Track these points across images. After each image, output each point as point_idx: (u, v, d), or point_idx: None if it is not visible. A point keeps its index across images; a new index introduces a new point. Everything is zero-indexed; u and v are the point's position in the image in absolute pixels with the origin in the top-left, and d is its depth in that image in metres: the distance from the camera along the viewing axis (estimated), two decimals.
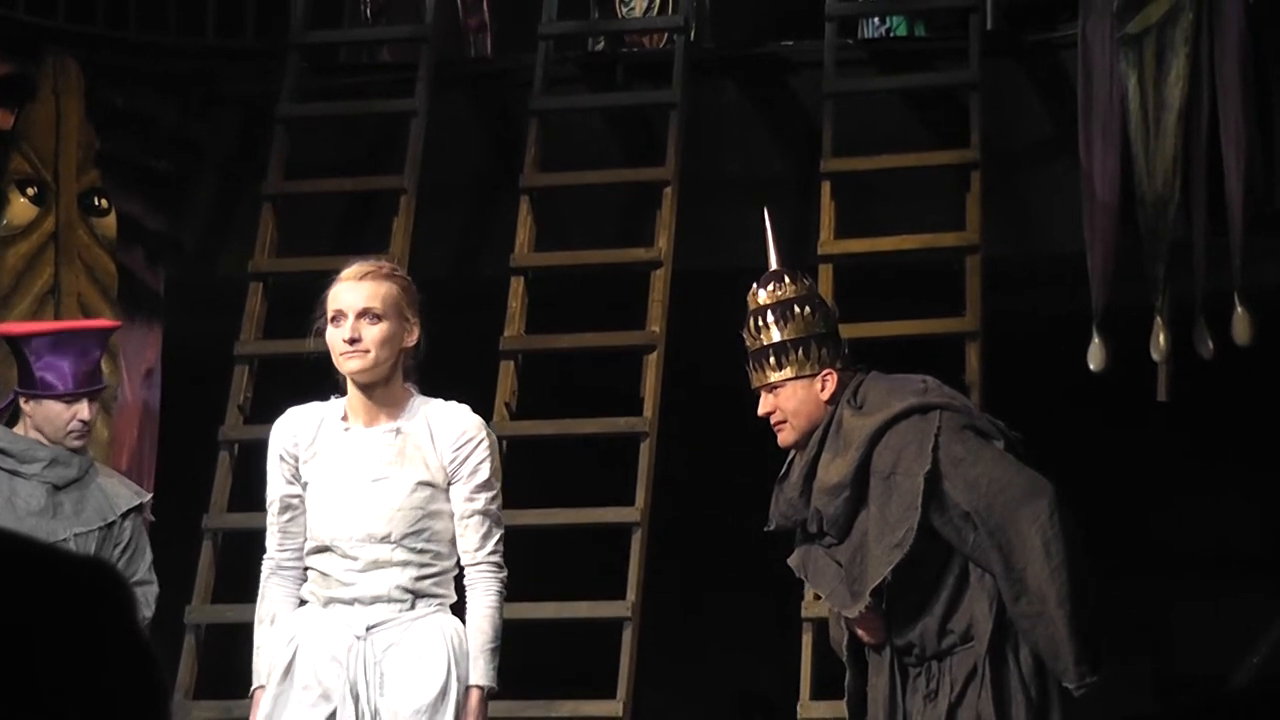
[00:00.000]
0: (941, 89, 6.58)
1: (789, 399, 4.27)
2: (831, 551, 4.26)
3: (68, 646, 1.15)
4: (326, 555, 4.17)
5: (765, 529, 4.41)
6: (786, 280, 4.38)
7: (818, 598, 4.94)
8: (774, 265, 4.46)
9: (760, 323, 4.33)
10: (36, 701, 1.13)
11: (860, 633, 4.24)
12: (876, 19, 7.48)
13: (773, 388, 4.29)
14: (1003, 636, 4.11)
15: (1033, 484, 4.11)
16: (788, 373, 4.27)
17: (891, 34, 7.43)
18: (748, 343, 4.35)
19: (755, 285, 4.40)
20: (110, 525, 4.92)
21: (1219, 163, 5.97)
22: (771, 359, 4.29)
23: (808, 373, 4.27)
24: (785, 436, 4.30)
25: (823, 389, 4.28)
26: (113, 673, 1.16)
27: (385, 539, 4.13)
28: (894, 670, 4.20)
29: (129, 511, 4.96)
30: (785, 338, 4.30)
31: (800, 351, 4.28)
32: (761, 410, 4.31)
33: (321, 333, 4.19)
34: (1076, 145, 6.08)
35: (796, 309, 4.32)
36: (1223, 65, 6.00)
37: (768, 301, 4.34)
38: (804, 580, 4.39)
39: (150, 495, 5.26)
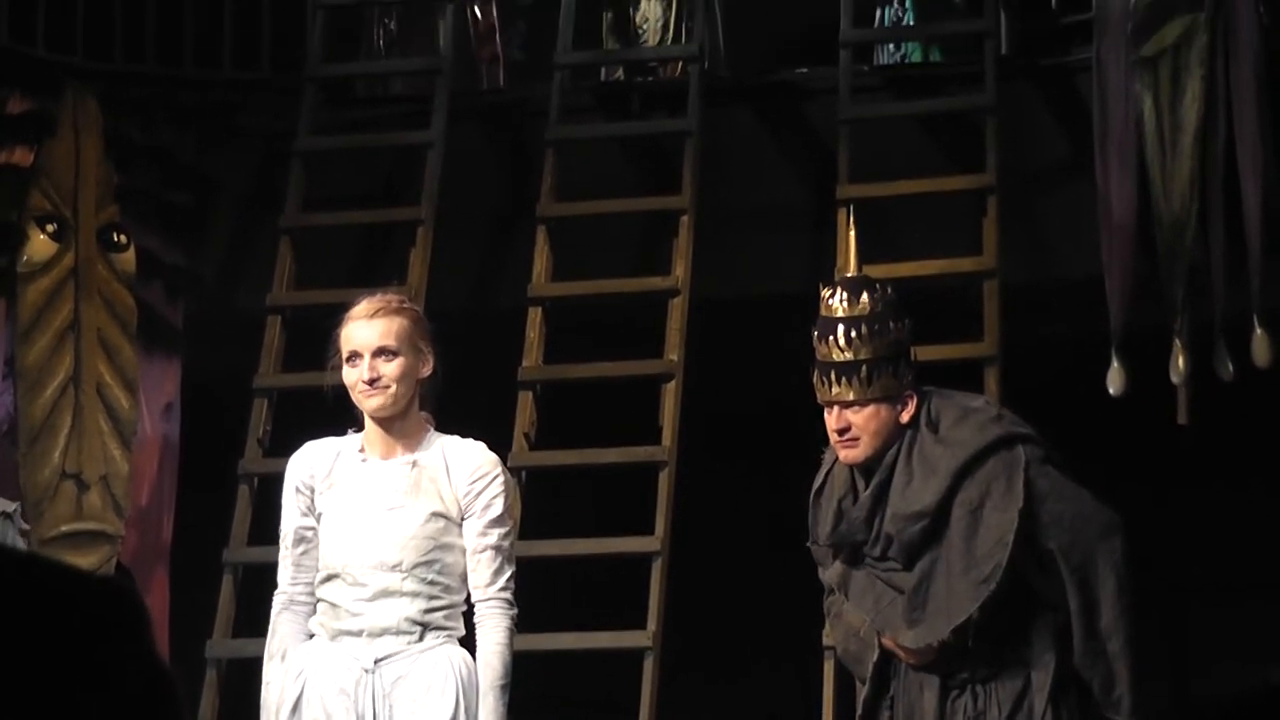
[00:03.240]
0: (957, 114, 6.57)
1: (871, 419, 4.12)
2: (889, 576, 4.19)
3: (83, 666, 1.15)
4: (335, 584, 4.18)
5: (808, 544, 4.32)
6: (879, 289, 4.20)
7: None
8: (853, 270, 4.33)
9: (854, 334, 4.11)
10: (50, 718, 1.14)
11: (903, 655, 4.18)
12: (891, 45, 7.49)
13: (852, 404, 4.12)
14: (1061, 668, 4.08)
15: (1110, 521, 4.11)
16: (876, 392, 4.11)
17: (906, 60, 7.42)
18: (828, 353, 4.14)
19: (838, 290, 4.19)
20: None
21: (1236, 184, 5.96)
22: (862, 374, 4.10)
23: (894, 394, 4.12)
24: (854, 454, 4.15)
25: (903, 410, 4.15)
26: (128, 693, 1.17)
27: (396, 567, 4.14)
28: (940, 690, 4.15)
29: None
30: (879, 354, 4.11)
31: (891, 370, 4.12)
32: (835, 426, 4.15)
33: (338, 369, 4.22)
34: (1093, 168, 6.07)
35: (893, 324, 4.15)
36: (1238, 86, 5.99)
37: (860, 312, 4.13)
38: (843, 597, 4.29)
39: (17, 505, 5.28)
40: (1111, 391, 5.94)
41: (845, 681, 5.24)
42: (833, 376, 4.15)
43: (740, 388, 6.80)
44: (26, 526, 5.18)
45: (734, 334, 6.73)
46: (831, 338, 4.15)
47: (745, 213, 6.58)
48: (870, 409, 4.13)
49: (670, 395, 6.08)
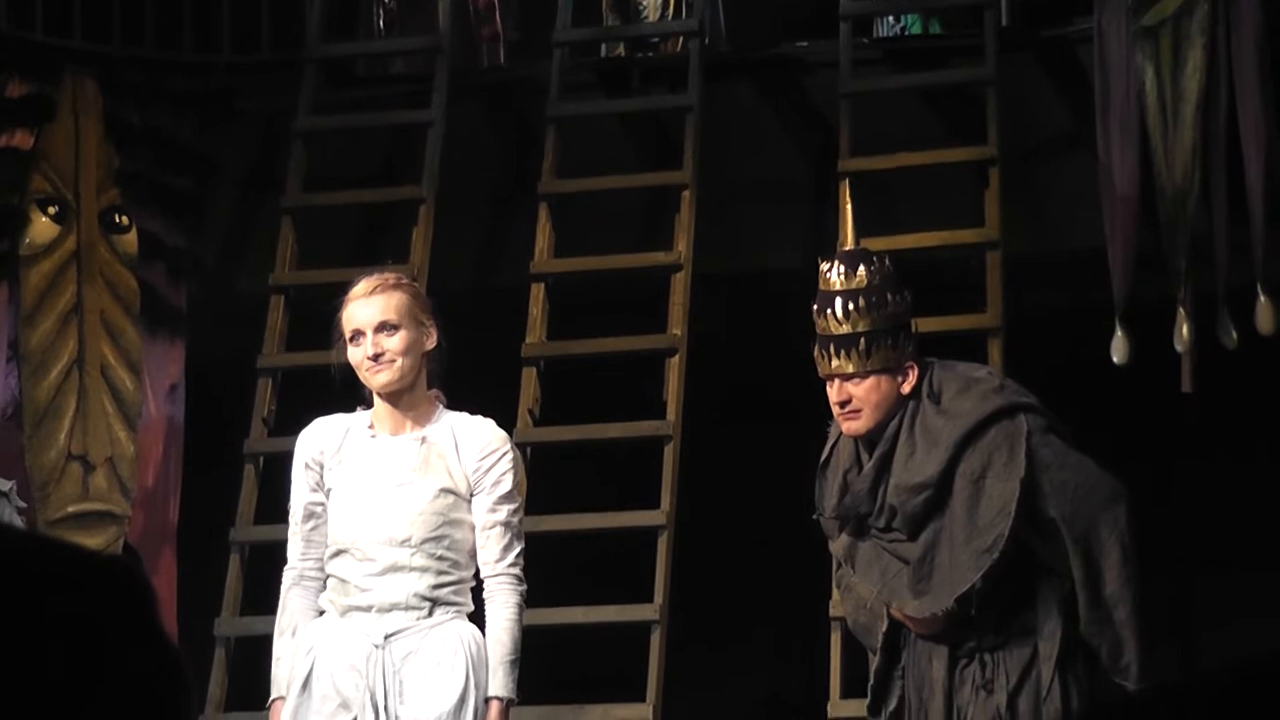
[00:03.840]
0: (958, 86, 6.55)
1: (872, 390, 4.13)
2: (894, 547, 4.19)
3: (89, 648, 1.15)
4: (344, 559, 4.18)
5: (813, 517, 4.33)
6: (875, 262, 4.19)
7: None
8: (851, 244, 4.28)
9: (851, 307, 4.11)
10: (56, 701, 1.13)
11: (911, 625, 4.19)
12: (891, 18, 7.44)
13: (852, 377, 4.12)
14: (1067, 637, 4.09)
15: (1114, 490, 4.11)
16: (875, 363, 4.11)
17: (906, 32, 7.40)
18: (827, 327, 4.14)
19: (836, 264, 4.19)
20: None
21: (1238, 153, 5.95)
22: (861, 346, 4.10)
23: (894, 365, 4.12)
24: (856, 426, 4.16)
25: (904, 382, 4.14)
26: (135, 673, 1.16)
27: (405, 543, 4.14)
28: (949, 660, 4.16)
29: None
30: (876, 326, 4.11)
31: (890, 342, 4.12)
32: (836, 399, 4.15)
33: (343, 353, 4.23)
34: (1094, 139, 6.06)
35: (890, 296, 4.14)
36: (1240, 55, 5.98)
37: (857, 286, 4.13)
38: (850, 569, 4.30)
39: (13, 483, 5.30)
40: (1115, 361, 5.94)
41: (853, 653, 5.27)
42: (832, 350, 4.15)
43: (743, 361, 6.80)
44: (24, 504, 5.19)
45: (736, 308, 6.74)
46: (830, 311, 4.16)
47: (746, 187, 6.57)
48: (870, 381, 4.13)
49: (674, 369, 6.08)
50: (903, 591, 4.14)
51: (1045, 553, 4.11)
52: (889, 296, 4.16)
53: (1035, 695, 4.09)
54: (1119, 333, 5.95)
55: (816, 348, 4.21)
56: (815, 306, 4.21)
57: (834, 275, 4.19)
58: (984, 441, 4.09)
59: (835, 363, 4.15)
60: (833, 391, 4.18)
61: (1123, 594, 4.05)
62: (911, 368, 4.16)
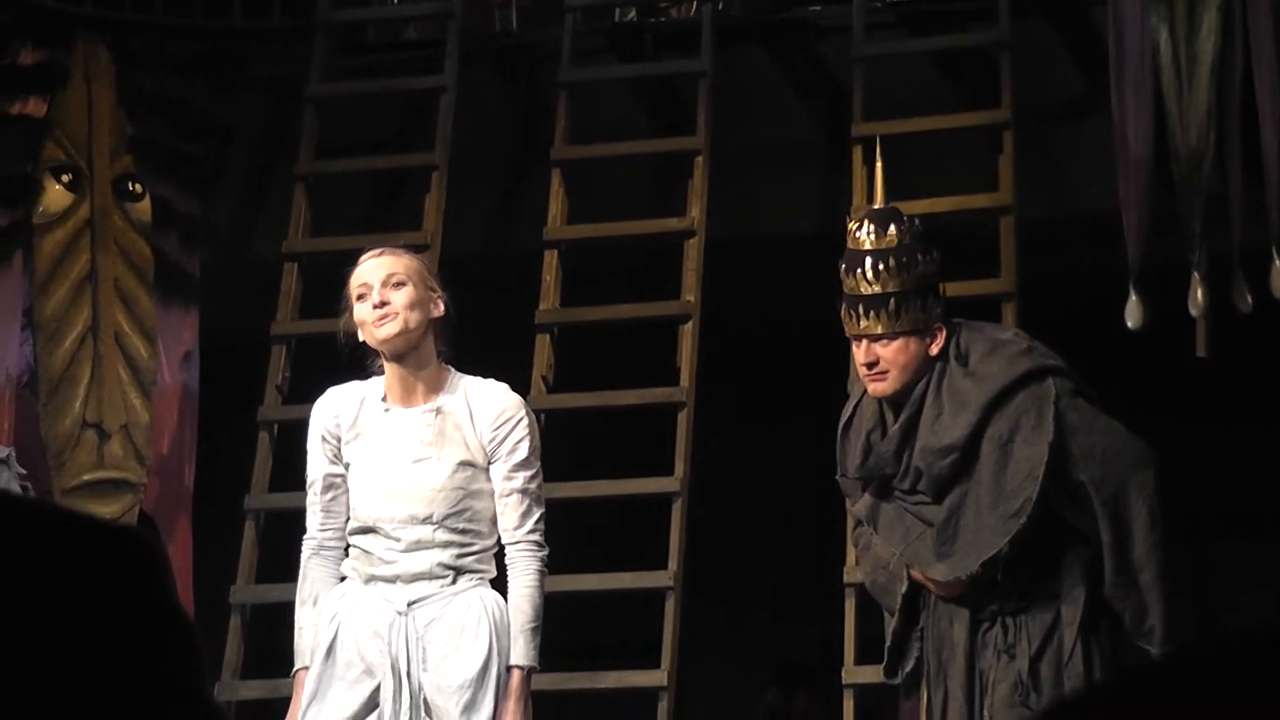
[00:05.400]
0: (971, 50, 6.50)
1: (900, 352, 4.10)
2: (918, 509, 4.17)
3: (99, 616, 1.14)
4: (370, 536, 4.17)
5: (837, 477, 4.31)
6: (906, 221, 4.15)
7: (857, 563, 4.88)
8: (879, 203, 4.24)
9: (881, 267, 4.07)
10: (68, 671, 1.12)
11: (933, 587, 4.17)
12: None
13: (880, 338, 4.10)
14: (1091, 601, 4.07)
15: (1141, 453, 4.10)
16: (904, 324, 4.08)
17: None
18: (856, 286, 4.10)
19: (866, 223, 4.15)
20: None
21: (1254, 115, 5.92)
22: (890, 307, 4.07)
23: (922, 326, 4.09)
24: (882, 387, 4.13)
25: (932, 343, 4.12)
26: (146, 641, 1.16)
27: (427, 520, 4.13)
28: (970, 623, 4.14)
29: None
30: (906, 287, 4.08)
31: (919, 303, 4.09)
32: (863, 359, 4.13)
33: (350, 323, 4.20)
34: (1108, 102, 6.03)
35: (920, 256, 4.10)
36: (1256, 16, 5.94)
37: (887, 245, 4.09)
38: (872, 530, 4.27)
39: (10, 450, 5.29)
40: (1130, 325, 5.92)
41: (867, 618, 5.28)
42: (861, 310, 4.11)
43: (757, 327, 6.79)
44: (24, 471, 5.20)
45: (749, 274, 6.71)
46: (859, 270, 4.12)
47: (760, 153, 6.54)
48: (899, 342, 4.09)
49: (687, 336, 6.07)
50: (925, 554, 4.12)
51: (1072, 517, 4.08)
52: (919, 256, 4.12)
53: (1057, 660, 4.07)
54: (1133, 297, 5.92)
55: (844, 307, 4.17)
56: (843, 265, 4.17)
57: (863, 234, 4.15)
58: (1012, 405, 4.07)
59: (864, 323, 4.11)
60: (859, 352, 4.15)
61: (1149, 557, 4.03)
62: (940, 329, 4.13)
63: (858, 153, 6.19)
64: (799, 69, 6.68)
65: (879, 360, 4.11)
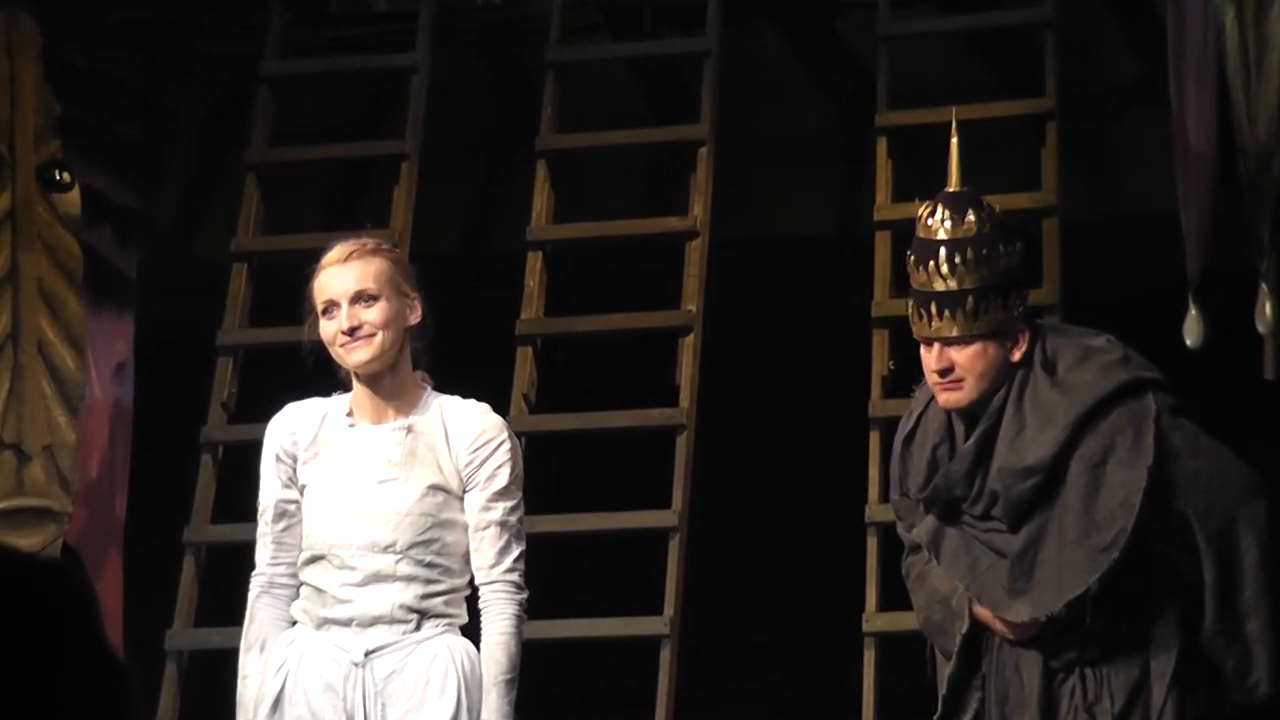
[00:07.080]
0: (1012, 29, 6.35)
1: (978, 357, 3.88)
2: (990, 538, 3.95)
3: (26, 658, 1.18)
4: (320, 566, 4.06)
5: (892, 498, 4.13)
6: (985, 207, 3.92)
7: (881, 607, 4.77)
8: (954, 185, 4.02)
9: (958, 259, 3.86)
10: None
11: (1001, 628, 3.92)
12: None
13: (955, 341, 3.86)
14: (1185, 651, 3.88)
15: (1251, 482, 3.91)
16: (983, 326, 3.88)
17: None
18: (928, 282, 3.89)
19: (939, 208, 3.94)
20: None
21: None
22: (968, 306, 3.85)
23: (1004, 329, 3.87)
24: (956, 397, 3.91)
25: (1014, 348, 3.90)
26: (76, 686, 1.19)
27: (389, 548, 4.04)
28: (1044, 672, 3.93)
29: None
30: (986, 283, 3.87)
31: (1000, 302, 3.88)
32: (935, 365, 3.90)
33: (315, 329, 4.11)
34: (1166, 91, 5.83)
35: (1002, 247, 3.88)
36: None
37: (965, 234, 3.87)
38: (933, 558, 4.04)
39: None
40: (1189, 343, 5.71)
41: (887, 673, 5.28)
42: (933, 309, 3.90)
43: (766, 340, 6.69)
44: None
45: (759, 279, 6.57)
46: (932, 263, 3.89)
47: (771, 144, 6.36)
48: (977, 346, 3.88)
49: (688, 350, 5.92)
50: (996, 590, 3.91)
51: (1171, 554, 3.88)
52: (1001, 248, 3.90)
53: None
54: (1192, 311, 5.71)
55: (913, 305, 3.95)
56: (912, 257, 3.97)
57: (936, 220, 3.93)
58: (1106, 422, 3.86)
59: (936, 324, 3.89)
60: (930, 357, 3.93)
61: (1257, 602, 3.85)
62: (1023, 332, 3.91)
63: (882, 144, 6.11)
64: (816, 49, 6.56)
65: (954, 367, 3.90)
